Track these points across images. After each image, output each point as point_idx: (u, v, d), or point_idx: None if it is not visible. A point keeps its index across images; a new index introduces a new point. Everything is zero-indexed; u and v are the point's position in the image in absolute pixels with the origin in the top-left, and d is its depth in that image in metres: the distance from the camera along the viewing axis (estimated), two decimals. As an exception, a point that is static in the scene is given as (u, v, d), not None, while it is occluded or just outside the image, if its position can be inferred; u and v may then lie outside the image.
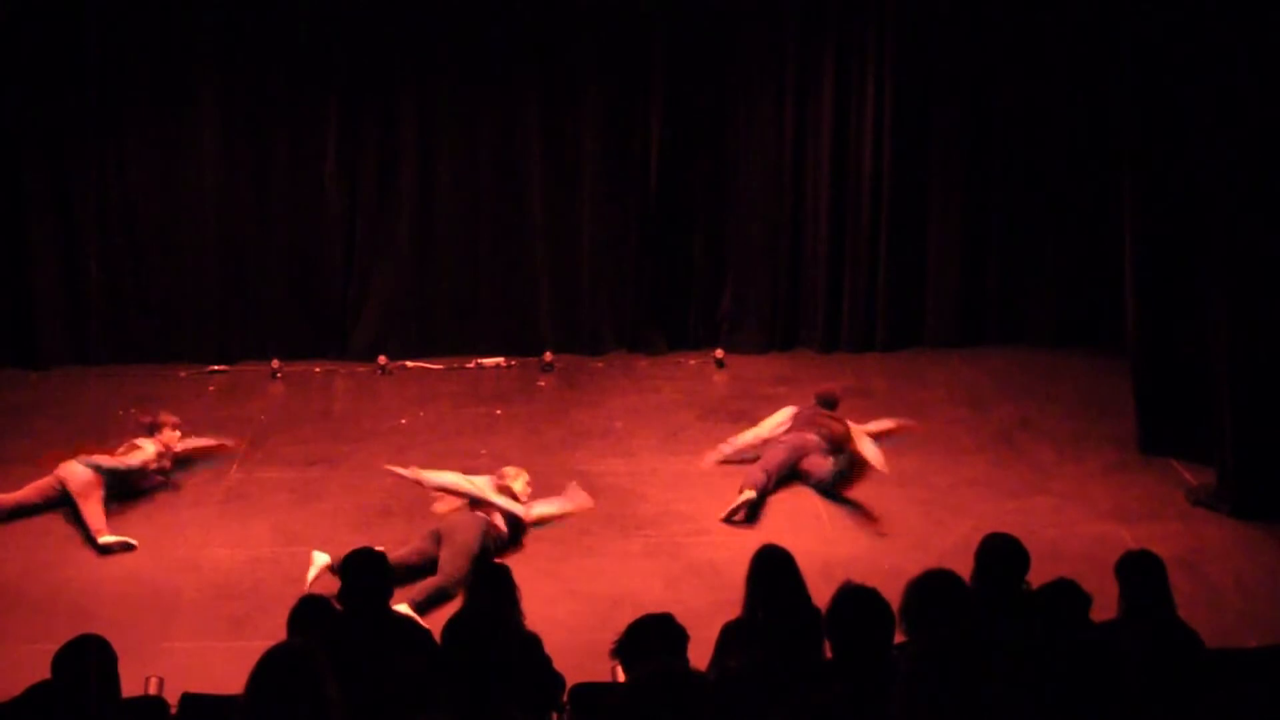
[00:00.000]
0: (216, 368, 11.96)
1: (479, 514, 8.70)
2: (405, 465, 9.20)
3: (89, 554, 8.77)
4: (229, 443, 10.17)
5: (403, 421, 10.89)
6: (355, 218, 12.17)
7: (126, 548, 8.82)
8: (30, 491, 9.27)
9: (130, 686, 5.46)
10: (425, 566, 8.38)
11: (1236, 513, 9.14)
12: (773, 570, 6.03)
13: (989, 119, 12.26)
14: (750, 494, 9.29)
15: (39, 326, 11.97)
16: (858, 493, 9.53)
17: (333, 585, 6.45)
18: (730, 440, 10.06)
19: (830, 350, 12.41)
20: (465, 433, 10.68)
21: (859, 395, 11.46)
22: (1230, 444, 9.21)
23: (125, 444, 9.63)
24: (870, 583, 5.01)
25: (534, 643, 6.07)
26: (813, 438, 9.83)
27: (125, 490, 9.37)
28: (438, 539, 8.51)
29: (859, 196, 12.28)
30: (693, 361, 12.23)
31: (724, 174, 12.35)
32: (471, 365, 12.13)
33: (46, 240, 11.87)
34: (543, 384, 11.83)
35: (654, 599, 7.63)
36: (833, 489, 9.51)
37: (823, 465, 9.62)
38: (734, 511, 9.24)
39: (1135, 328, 10.03)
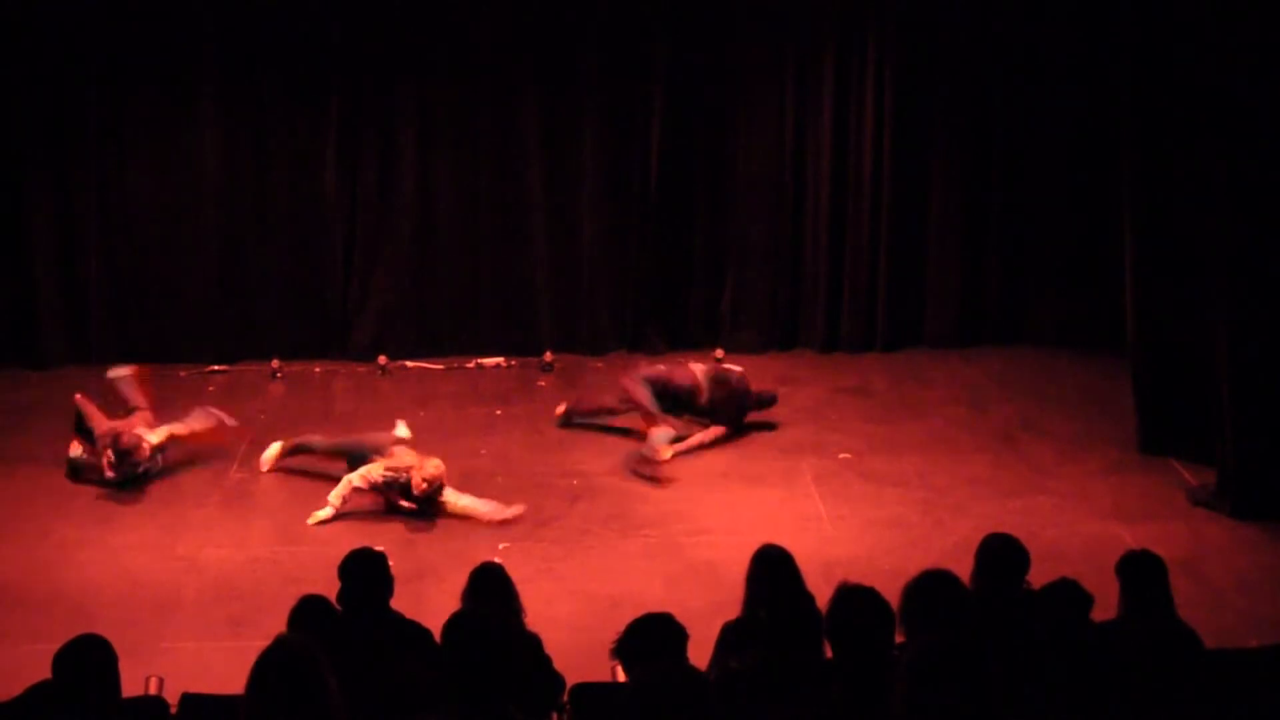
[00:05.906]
0: (216, 368, 11.95)
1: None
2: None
3: (89, 554, 8.77)
4: (228, 420, 10.21)
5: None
6: (355, 218, 12.17)
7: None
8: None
9: (130, 686, 5.44)
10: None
11: (1236, 513, 9.13)
12: (773, 570, 6.03)
13: (989, 119, 12.26)
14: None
15: (39, 326, 11.97)
16: (855, 490, 9.56)
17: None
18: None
19: (830, 350, 12.40)
20: (465, 433, 10.68)
21: (859, 395, 11.49)
22: (1230, 444, 9.21)
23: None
24: (870, 583, 5.01)
25: (534, 643, 6.06)
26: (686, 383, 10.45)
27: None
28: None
29: (859, 196, 12.27)
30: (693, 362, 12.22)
31: (724, 174, 12.34)
32: (471, 365, 12.12)
33: (46, 240, 11.87)
34: (543, 384, 11.83)
35: (654, 599, 7.60)
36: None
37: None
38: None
39: (1135, 328, 10.02)
